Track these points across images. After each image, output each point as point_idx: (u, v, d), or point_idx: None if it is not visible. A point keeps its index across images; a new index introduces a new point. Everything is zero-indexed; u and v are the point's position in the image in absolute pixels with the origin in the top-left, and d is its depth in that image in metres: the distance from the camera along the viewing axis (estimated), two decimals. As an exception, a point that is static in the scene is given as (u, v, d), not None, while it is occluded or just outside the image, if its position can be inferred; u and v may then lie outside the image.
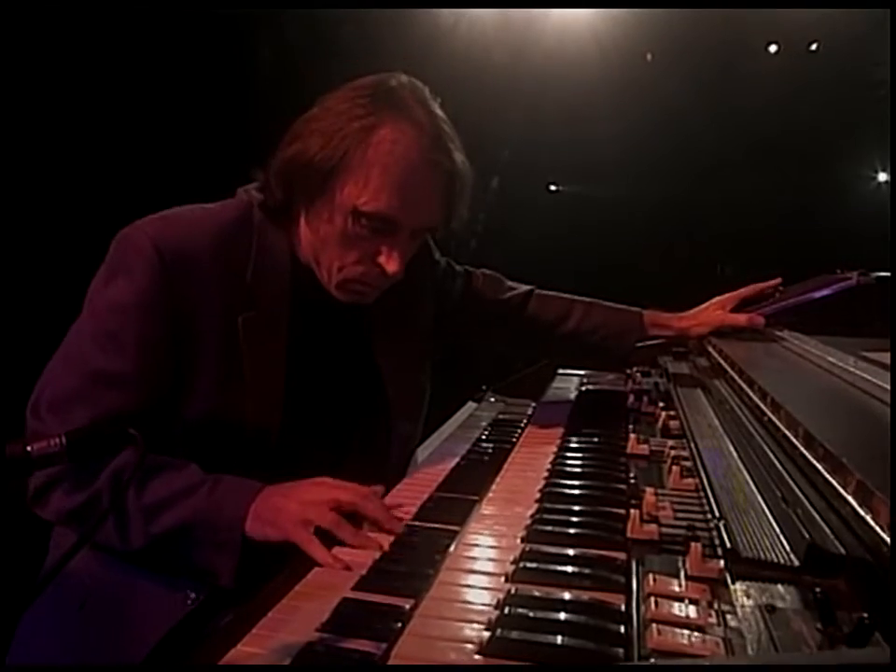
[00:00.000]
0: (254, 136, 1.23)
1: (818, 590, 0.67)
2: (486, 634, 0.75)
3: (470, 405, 1.96)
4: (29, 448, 0.78)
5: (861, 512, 0.68)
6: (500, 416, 1.75)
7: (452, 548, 0.98)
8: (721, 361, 1.50)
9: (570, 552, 0.93)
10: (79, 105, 2.20)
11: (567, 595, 0.82)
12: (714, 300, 1.72)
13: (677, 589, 0.80)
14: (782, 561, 0.77)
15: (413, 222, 1.17)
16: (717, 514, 0.89)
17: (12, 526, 1.09)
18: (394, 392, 1.36)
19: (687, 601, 0.77)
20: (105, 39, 2.21)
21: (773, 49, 4.97)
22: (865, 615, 0.61)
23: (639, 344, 2.27)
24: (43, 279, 2.06)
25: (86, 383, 1.09)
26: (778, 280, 1.75)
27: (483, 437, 1.55)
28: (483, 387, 2.04)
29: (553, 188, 5.82)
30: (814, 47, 4.83)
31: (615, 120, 4.33)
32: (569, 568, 0.88)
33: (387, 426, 1.36)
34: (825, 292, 1.66)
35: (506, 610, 0.79)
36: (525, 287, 1.69)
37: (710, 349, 1.66)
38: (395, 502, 1.15)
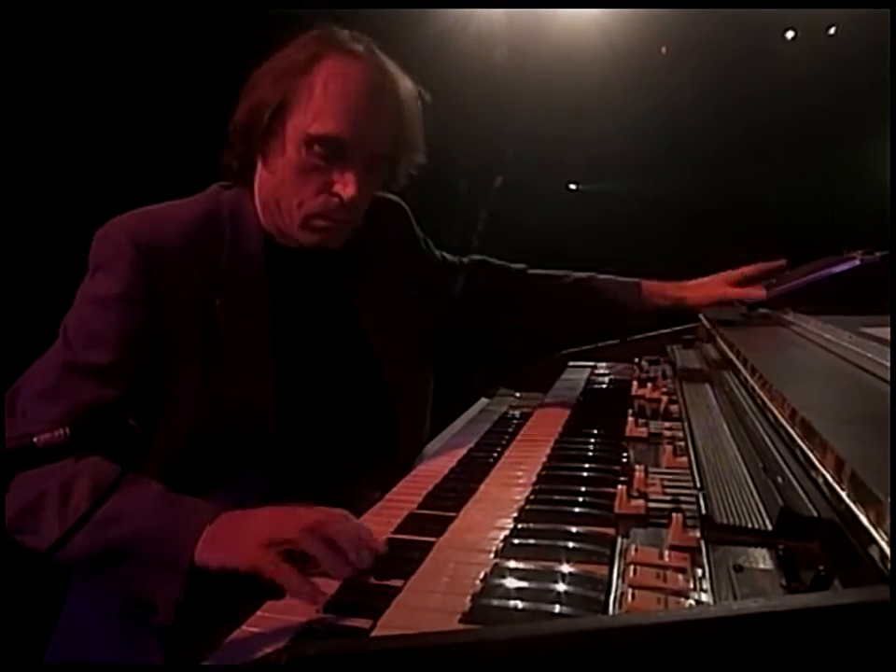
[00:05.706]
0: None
1: (780, 548, 0.68)
2: (469, 602, 0.78)
3: (483, 401, 1.97)
4: (35, 439, 0.83)
5: (829, 477, 0.69)
6: (509, 411, 1.76)
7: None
8: (723, 344, 1.51)
9: (560, 528, 0.95)
10: (71, 107, 2.25)
11: (554, 567, 0.85)
12: (719, 274, 1.71)
13: (657, 559, 0.82)
14: (758, 527, 0.79)
15: (365, 147, 1.18)
16: (699, 486, 0.91)
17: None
18: (391, 374, 1.36)
19: (666, 569, 0.79)
20: (101, 41, 2.25)
21: (790, 35, 4.92)
22: (822, 568, 0.62)
23: (652, 333, 2.28)
24: (37, 280, 2.07)
25: (64, 375, 1.13)
26: (783, 260, 1.73)
27: (491, 430, 1.57)
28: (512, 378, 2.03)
29: (572, 186, 5.79)
30: (832, 31, 4.77)
31: (629, 116, 4.32)
32: (558, 543, 0.90)
33: (390, 419, 1.37)
34: (830, 272, 1.65)
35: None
36: (517, 266, 1.70)
37: (715, 334, 1.67)
38: (393, 499, 1.18)
